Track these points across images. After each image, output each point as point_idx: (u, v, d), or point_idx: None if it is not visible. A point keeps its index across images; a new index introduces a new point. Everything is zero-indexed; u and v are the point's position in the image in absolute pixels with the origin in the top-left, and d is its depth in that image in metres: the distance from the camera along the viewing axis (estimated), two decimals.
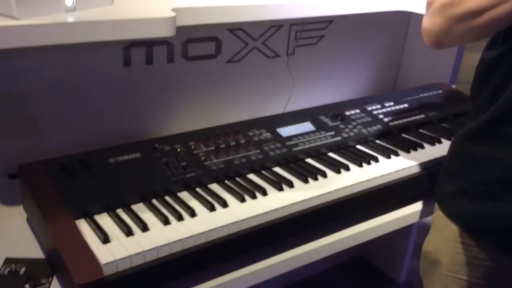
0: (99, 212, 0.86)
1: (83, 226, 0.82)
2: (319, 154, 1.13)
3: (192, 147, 1.04)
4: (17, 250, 0.89)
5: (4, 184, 1.07)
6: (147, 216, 0.86)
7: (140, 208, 0.88)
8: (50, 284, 0.82)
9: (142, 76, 1.20)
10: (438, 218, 0.92)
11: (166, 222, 0.84)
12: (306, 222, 0.95)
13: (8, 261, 0.87)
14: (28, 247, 0.90)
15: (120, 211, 0.86)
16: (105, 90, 1.15)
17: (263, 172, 1.03)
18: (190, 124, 1.28)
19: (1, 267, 0.85)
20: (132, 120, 1.23)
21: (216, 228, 0.84)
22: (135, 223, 0.83)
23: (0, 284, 0.82)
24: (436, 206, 0.94)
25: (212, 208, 0.88)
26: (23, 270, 0.85)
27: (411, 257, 1.89)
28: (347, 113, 1.28)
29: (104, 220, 0.84)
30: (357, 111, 1.30)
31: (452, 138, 0.95)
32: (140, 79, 1.20)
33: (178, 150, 1.02)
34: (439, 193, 0.93)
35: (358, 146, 1.18)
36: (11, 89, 1.03)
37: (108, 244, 0.78)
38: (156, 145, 1.01)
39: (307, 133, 1.17)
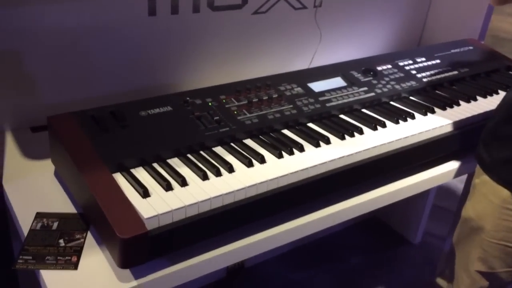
0: (135, 166, 0.83)
1: (120, 180, 0.80)
2: (352, 110, 1.09)
3: (224, 101, 1.00)
4: (47, 204, 0.87)
5: (26, 138, 1.04)
6: (184, 171, 0.83)
7: (176, 163, 0.85)
8: (85, 240, 0.81)
9: (167, 26, 1.14)
10: (483, 184, 0.89)
11: (204, 177, 0.81)
12: (341, 180, 0.92)
13: (39, 215, 0.85)
14: (58, 201, 0.88)
15: (156, 166, 0.84)
16: (130, 38, 1.10)
17: (297, 127, 1.00)
18: (214, 78, 1.24)
19: (33, 222, 0.83)
20: (156, 72, 1.19)
21: (255, 185, 0.81)
22: (173, 177, 0.81)
23: (34, 239, 0.80)
24: (480, 171, 0.91)
25: (250, 164, 0.86)
26: (55, 224, 0.83)
27: (428, 219, 1.89)
28: (379, 68, 1.23)
29: (141, 174, 0.81)
30: (389, 66, 1.25)
31: (502, 101, 0.91)
32: (165, 29, 1.15)
33: (210, 104, 0.98)
34: (487, 159, 0.89)
35: (392, 103, 1.14)
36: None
37: (148, 199, 0.75)
38: (188, 98, 0.97)
39: (339, 89, 1.12)
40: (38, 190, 0.91)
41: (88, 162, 0.80)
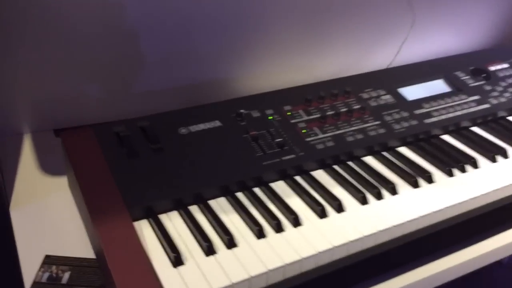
0: (167, 210, 0.62)
1: (146, 232, 0.58)
2: (459, 129, 0.82)
3: (289, 113, 0.76)
4: (60, 242, 0.67)
5: (46, 143, 0.85)
6: (232, 219, 0.61)
7: (221, 206, 0.63)
8: None
9: (213, 5, 0.90)
10: None
11: (260, 234, 0.58)
12: (448, 236, 0.67)
13: (48, 260, 0.66)
14: (74, 238, 0.68)
15: (195, 211, 0.62)
16: (170, 25, 0.87)
17: (386, 155, 0.75)
18: (273, 73, 1.00)
19: (39, 270, 0.65)
20: (199, 66, 0.95)
21: (328, 250, 0.57)
22: (218, 233, 0.59)
23: None
24: None
25: (322, 213, 0.62)
26: (66, 276, 0.64)
27: None
28: (492, 68, 0.94)
29: (175, 224, 0.60)
30: (505, 65, 0.95)
31: None
32: (211, 9, 0.90)
33: (270, 118, 0.74)
34: None
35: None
36: None
37: (181, 268, 0.54)
38: (242, 110, 0.74)
39: (441, 97, 0.85)
40: (52, 221, 0.71)
41: (103, 202, 0.59)
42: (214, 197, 0.64)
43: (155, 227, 0.59)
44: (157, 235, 0.58)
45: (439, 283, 0.68)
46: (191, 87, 0.95)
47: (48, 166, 0.81)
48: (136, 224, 0.59)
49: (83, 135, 0.67)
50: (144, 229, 0.59)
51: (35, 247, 0.67)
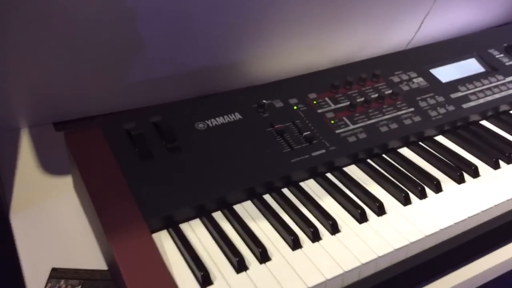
0: (189, 218, 0.55)
1: (167, 245, 0.52)
2: (498, 113, 0.75)
3: (315, 102, 0.69)
4: (68, 252, 0.61)
5: (46, 139, 0.78)
6: (262, 227, 0.54)
7: (248, 212, 0.56)
8: None
9: None
10: None
11: (295, 245, 0.52)
12: (498, 236, 0.61)
13: (55, 274, 0.59)
14: (84, 247, 0.62)
15: (219, 217, 0.55)
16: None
17: (423, 146, 0.68)
18: (287, 57, 0.92)
19: (46, 285, 0.58)
20: (206, 50, 0.87)
21: (367, 263, 0.51)
22: (248, 244, 0.52)
23: None
24: None
25: (362, 217, 0.55)
26: None
27: None
28: None
29: (199, 235, 0.53)
30: None
31: None
32: None
33: (295, 108, 0.67)
34: None
35: None
36: None
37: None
38: (263, 101, 0.66)
39: (476, 78, 0.78)
40: (57, 227, 0.64)
41: (117, 212, 0.52)
42: (239, 201, 0.57)
43: (177, 239, 0.52)
44: (179, 249, 0.51)
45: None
46: (199, 73, 0.87)
47: (49, 165, 0.74)
48: (155, 236, 0.53)
49: (90, 135, 0.59)
50: (165, 242, 0.52)
51: (40, 259, 0.60)
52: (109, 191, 0.54)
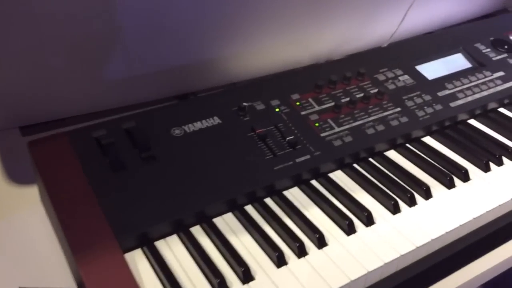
0: (164, 235, 0.51)
1: (141, 265, 0.48)
2: (486, 111, 0.73)
3: (298, 103, 0.65)
4: (35, 268, 0.56)
5: (11, 145, 0.73)
6: (244, 242, 0.51)
7: (229, 225, 0.52)
8: None
9: None
10: None
11: (280, 261, 0.48)
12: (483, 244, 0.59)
13: None
14: (52, 263, 0.57)
15: (198, 232, 0.51)
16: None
17: (410, 147, 0.65)
18: (268, 53, 0.88)
19: None
20: (182, 46, 0.82)
21: (357, 279, 0.48)
22: (229, 263, 0.48)
23: None
24: None
25: (350, 229, 0.52)
26: None
27: None
28: None
29: (175, 251, 0.49)
30: None
31: None
32: None
33: (277, 110, 0.64)
34: None
35: None
36: None
37: None
38: (244, 103, 0.62)
39: (463, 74, 0.75)
40: (23, 243, 0.59)
41: (85, 229, 0.48)
42: (219, 213, 0.54)
43: (152, 258, 0.48)
44: (154, 269, 0.47)
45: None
46: (175, 71, 0.82)
47: (15, 174, 0.68)
48: (128, 256, 0.49)
49: (56, 144, 0.55)
50: (139, 262, 0.48)
51: (5, 278, 0.55)
52: (76, 207, 0.50)
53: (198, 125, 0.60)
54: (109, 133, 0.56)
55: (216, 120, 0.61)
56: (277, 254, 0.48)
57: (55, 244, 0.58)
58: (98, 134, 0.56)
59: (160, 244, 0.50)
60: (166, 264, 0.48)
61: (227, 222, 0.53)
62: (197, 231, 0.51)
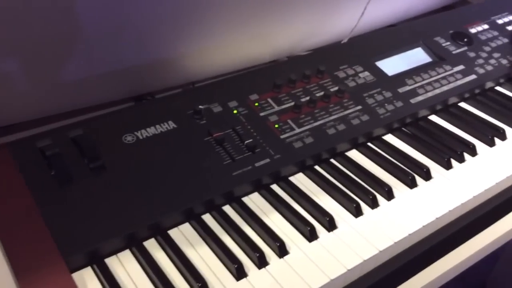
0: (116, 251, 0.48)
1: (91, 285, 0.45)
2: (447, 107, 0.72)
3: (256, 104, 0.63)
4: None
5: None
6: (201, 254, 0.48)
7: (186, 236, 0.50)
8: None
9: None
10: None
11: (239, 274, 0.46)
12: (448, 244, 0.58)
13: None
14: (4, 282, 0.54)
15: (152, 246, 0.49)
16: None
17: (371, 146, 0.64)
18: (226, 49, 0.85)
19: None
20: (137, 45, 0.78)
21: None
22: (186, 278, 0.46)
23: None
24: None
25: (312, 235, 0.51)
26: None
27: None
28: (472, 30, 0.84)
29: (128, 268, 0.47)
30: (485, 26, 0.86)
31: None
32: None
33: (235, 112, 0.61)
34: None
35: (501, 89, 0.77)
36: None
37: None
38: (200, 106, 0.60)
39: (424, 69, 0.75)
40: None
41: (30, 249, 0.45)
42: (175, 224, 0.51)
43: (102, 277, 0.45)
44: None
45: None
46: (129, 71, 0.78)
47: None
48: (76, 275, 0.45)
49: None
50: (88, 281, 0.45)
51: None
52: (19, 225, 0.47)
53: (151, 130, 0.57)
54: (54, 142, 0.53)
55: (171, 125, 0.58)
56: (236, 266, 0.46)
57: (3, 263, 0.55)
58: (42, 144, 0.52)
59: (111, 261, 0.47)
60: (116, 281, 0.45)
61: (183, 233, 0.50)
62: (151, 245, 0.49)
